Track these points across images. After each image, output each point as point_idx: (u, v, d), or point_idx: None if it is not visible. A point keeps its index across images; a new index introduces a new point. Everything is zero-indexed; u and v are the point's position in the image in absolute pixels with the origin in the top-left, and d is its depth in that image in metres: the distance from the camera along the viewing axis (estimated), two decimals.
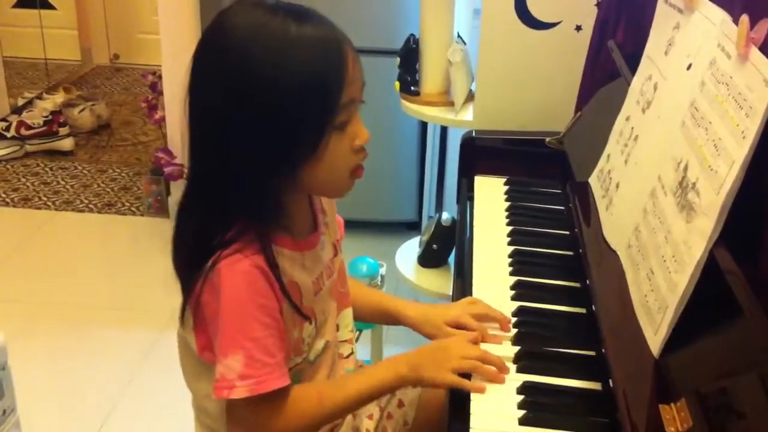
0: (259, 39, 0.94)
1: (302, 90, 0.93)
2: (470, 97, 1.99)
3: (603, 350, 1.02)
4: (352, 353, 1.20)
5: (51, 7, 4.48)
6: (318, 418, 1.05)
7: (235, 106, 0.94)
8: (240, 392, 0.95)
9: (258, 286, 0.96)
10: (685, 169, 0.96)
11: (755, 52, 0.86)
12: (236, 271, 0.95)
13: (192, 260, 0.99)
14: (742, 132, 0.84)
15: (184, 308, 1.02)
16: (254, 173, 0.96)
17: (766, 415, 0.71)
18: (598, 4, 1.70)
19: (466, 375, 1.04)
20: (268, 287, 0.97)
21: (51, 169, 3.41)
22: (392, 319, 1.24)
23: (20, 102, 3.81)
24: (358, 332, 1.61)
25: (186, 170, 1.11)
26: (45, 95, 3.81)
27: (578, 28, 1.76)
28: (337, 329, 1.16)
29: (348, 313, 1.19)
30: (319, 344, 1.09)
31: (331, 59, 0.95)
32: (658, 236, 0.99)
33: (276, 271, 0.97)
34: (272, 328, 0.97)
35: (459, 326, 1.16)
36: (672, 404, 0.82)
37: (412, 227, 2.84)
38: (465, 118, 1.97)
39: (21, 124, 3.48)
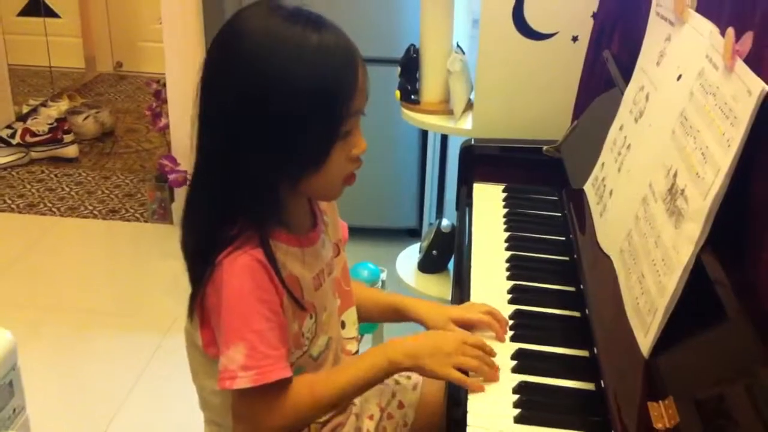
0: (280, 45, 0.95)
1: (319, 98, 0.95)
2: (469, 105, 2.02)
3: (596, 351, 1.05)
4: (357, 351, 1.23)
5: (55, 15, 4.52)
6: (312, 410, 1.06)
7: (248, 111, 0.96)
8: (242, 382, 0.97)
9: (259, 279, 0.98)
10: (675, 176, 0.99)
11: (740, 64, 0.90)
12: (237, 265, 0.98)
13: (200, 254, 1.01)
14: (728, 140, 0.87)
15: (193, 301, 1.04)
16: (260, 176, 0.98)
17: (750, 412, 0.74)
18: (594, 16, 1.73)
19: (463, 371, 1.06)
20: (268, 281, 0.99)
21: (56, 175, 3.44)
22: (400, 314, 1.27)
23: (25, 109, 3.85)
24: (360, 336, 1.64)
25: (189, 174, 1.13)
26: (49, 103, 3.85)
27: (575, 38, 1.79)
28: (343, 327, 1.19)
29: (353, 312, 1.23)
30: (322, 340, 1.12)
31: (347, 69, 0.98)
32: (648, 241, 1.02)
33: (275, 264, 0.99)
34: (273, 321, 0.99)
35: (465, 323, 1.18)
36: (660, 402, 0.85)
37: (412, 234, 2.87)
38: (464, 127, 2.00)
39: (26, 131, 3.52)
